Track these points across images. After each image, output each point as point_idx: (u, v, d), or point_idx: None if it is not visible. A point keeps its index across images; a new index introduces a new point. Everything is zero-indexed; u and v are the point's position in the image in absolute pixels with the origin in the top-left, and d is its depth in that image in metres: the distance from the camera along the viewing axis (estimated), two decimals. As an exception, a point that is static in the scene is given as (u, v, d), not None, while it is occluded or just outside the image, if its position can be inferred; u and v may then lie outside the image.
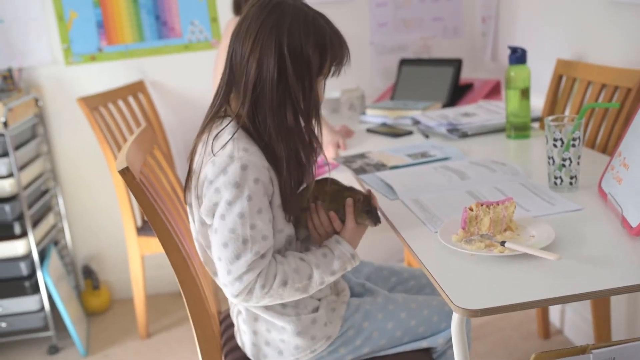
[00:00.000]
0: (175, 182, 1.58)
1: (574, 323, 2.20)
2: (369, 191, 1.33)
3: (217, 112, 1.27)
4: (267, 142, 1.22)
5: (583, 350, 0.99)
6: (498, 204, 1.20)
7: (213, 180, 1.18)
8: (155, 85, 2.69)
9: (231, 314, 1.42)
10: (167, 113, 2.72)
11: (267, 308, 1.30)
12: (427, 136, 2.02)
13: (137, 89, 2.60)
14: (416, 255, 1.17)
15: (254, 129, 1.23)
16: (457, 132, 1.96)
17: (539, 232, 1.19)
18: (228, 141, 1.19)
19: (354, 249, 1.29)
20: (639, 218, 1.15)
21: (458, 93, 2.40)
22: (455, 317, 1.03)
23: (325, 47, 1.22)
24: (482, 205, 1.20)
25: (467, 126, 1.97)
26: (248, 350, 1.37)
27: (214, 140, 1.22)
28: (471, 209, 1.20)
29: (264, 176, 1.19)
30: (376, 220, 1.30)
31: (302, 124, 1.26)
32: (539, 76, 2.19)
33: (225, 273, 1.20)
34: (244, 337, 1.37)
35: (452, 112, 2.14)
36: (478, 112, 2.11)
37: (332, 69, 1.26)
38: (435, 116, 2.11)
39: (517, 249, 1.11)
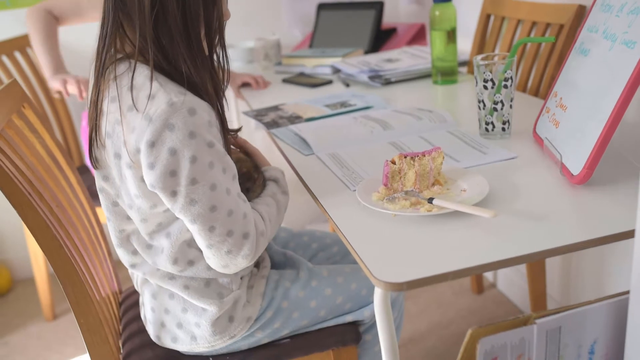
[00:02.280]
0: (53, 145, 1.34)
1: (508, 276, 2.11)
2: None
3: (106, 56, 1.02)
4: (188, 78, 1.00)
5: (525, 321, 0.85)
6: (424, 155, 1.04)
7: (155, 141, 0.94)
8: (45, 39, 2.38)
9: (135, 284, 1.22)
10: (61, 70, 2.42)
11: (187, 286, 1.11)
12: (347, 85, 1.85)
13: (23, 43, 2.29)
14: (332, 219, 1.00)
15: (167, 63, 0.99)
16: (379, 79, 1.79)
17: (471, 185, 1.04)
18: (155, 88, 0.96)
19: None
20: (581, 164, 1.01)
21: (380, 38, 2.22)
22: (378, 292, 0.87)
23: None
24: (405, 157, 1.03)
25: (390, 72, 1.80)
26: (151, 329, 1.17)
27: (129, 91, 0.97)
28: (393, 162, 1.03)
29: (213, 118, 1.00)
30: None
31: (207, 47, 1.04)
32: (466, 17, 2.04)
33: (226, 255, 1.03)
34: (148, 314, 1.18)
35: (374, 59, 1.96)
36: (402, 57, 1.95)
37: None
38: (356, 63, 1.93)
39: (447, 207, 0.95)
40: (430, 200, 0.98)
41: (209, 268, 1.10)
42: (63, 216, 1.16)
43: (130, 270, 1.17)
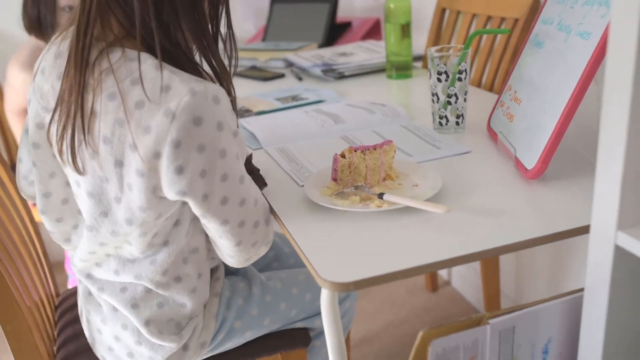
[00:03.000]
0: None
1: (462, 274, 2.09)
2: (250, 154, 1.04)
3: (90, 41, 0.84)
4: (193, 61, 0.88)
5: (478, 321, 0.81)
6: (375, 148, 0.99)
7: (182, 140, 0.80)
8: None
9: (79, 296, 1.11)
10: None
11: (149, 322, 1.00)
12: (300, 78, 1.80)
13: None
14: (278, 216, 0.94)
15: (172, 45, 0.85)
16: (333, 73, 1.75)
17: (424, 180, 1.00)
18: (167, 77, 0.81)
19: None
20: (535, 159, 0.99)
21: (335, 32, 2.18)
22: (325, 293, 0.81)
23: None
24: (356, 150, 0.98)
25: (344, 66, 1.76)
26: (97, 348, 1.09)
27: (134, 85, 0.82)
28: (343, 156, 0.98)
29: (229, 103, 0.88)
30: (261, 184, 1.01)
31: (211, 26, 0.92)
32: (421, 12, 2.01)
33: (252, 248, 0.95)
34: (95, 334, 1.08)
35: (328, 52, 1.92)
36: (356, 51, 1.91)
37: None
38: (310, 57, 1.88)
39: (398, 202, 0.91)
40: (380, 195, 0.93)
41: (193, 290, 1.01)
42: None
43: (81, 280, 1.06)
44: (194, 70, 0.87)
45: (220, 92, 0.84)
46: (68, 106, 0.86)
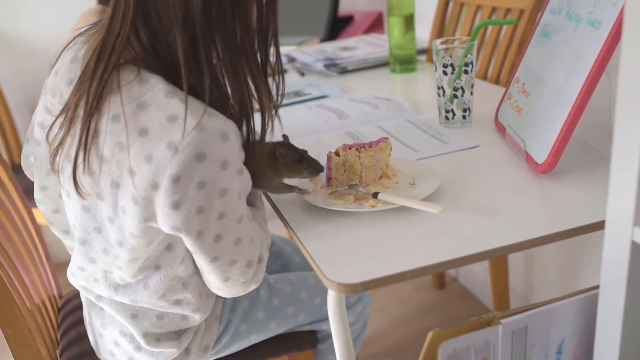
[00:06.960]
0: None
1: (470, 270, 2.07)
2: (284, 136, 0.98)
3: (111, 67, 0.80)
4: (220, 89, 0.83)
5: (489, 321, 0.78)
6: (370, 146, 0.96)
7: (182, 175, 0.76)
8: (-19, 28, 2.25)
9: (84, 302, 1.08)
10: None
11: (147, 334, 0.97)
12: (302, 74, 1.77)
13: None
14: (285, 219, 0.92)
15: (195, 69, 0.80)
16: (336, 68, 1.72)
17: (421, 178, 0.97)
18: (176, 107, 0.77)
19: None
20: (545, 153, 0.96)
21: (337, 27, 2.15)
22: (332, 295, 0.79)
23: None
24: (350, 148, 0.95)
25: (347, 61, 1.73)
26: (98, 350, 1.07)
27: (140, 110, 0.78)
28: (337, 154, 0.95)
29: (239, 137, 0.83)
30: (318, 168, 0.94)
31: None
32: (424, 5, 1.98)
33: (241, 286, 0.91)
34: (97, 337, 1.06)
35: (330, 47, 1.89)
36: (359, 45, 1.88)
37: None
38: (312, 52, 1.85)
39: (392, 202, 0.88)
40: (375, 194, 0.90)
41: (196, 310, 0.97)
42: (-12, 217, 1.06)
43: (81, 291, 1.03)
44: (217, 99, 0.82)
45: (230, 128, 0.79)
46: (71, 118, 0.83)
